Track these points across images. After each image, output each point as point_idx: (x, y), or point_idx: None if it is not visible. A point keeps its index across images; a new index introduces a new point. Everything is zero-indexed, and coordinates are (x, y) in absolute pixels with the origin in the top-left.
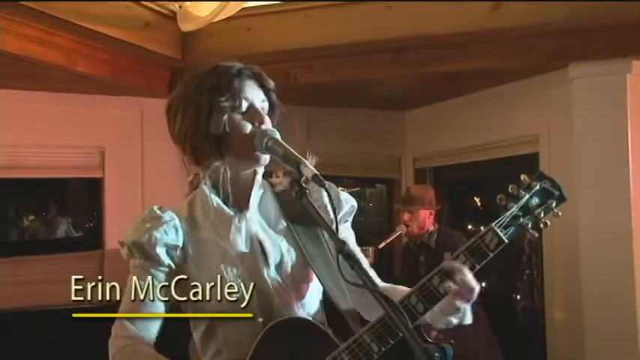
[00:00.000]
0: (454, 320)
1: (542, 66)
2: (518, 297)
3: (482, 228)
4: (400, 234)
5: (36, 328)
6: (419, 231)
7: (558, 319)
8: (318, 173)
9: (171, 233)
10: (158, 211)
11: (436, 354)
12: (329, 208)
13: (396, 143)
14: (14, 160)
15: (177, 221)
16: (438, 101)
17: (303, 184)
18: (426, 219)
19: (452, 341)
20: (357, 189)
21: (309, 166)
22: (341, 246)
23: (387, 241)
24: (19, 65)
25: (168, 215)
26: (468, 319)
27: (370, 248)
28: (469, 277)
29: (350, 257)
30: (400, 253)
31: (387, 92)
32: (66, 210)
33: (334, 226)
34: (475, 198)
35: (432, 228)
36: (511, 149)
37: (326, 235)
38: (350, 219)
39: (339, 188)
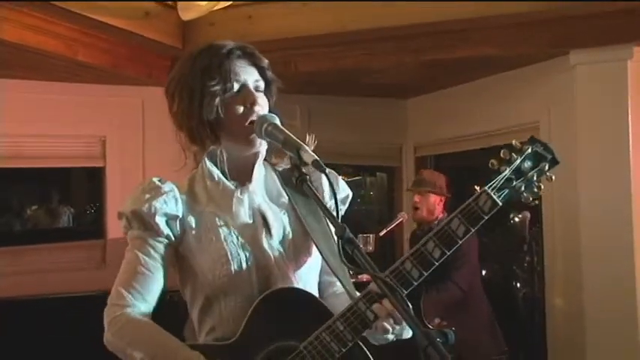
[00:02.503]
0: (390, 337)
1: (544, 53)
2: (519, 284)
3: None
4: (401, 221)
5: (40, 316)
6: (428, 215)
7: (558, 306)
8: (318, 158)
9: (170, 203)
10: (158, 182)
11: (438, 339)
12: (328, 193)
13: (397, 131)
14: (16, 150)
15: (176, 192)
16: (439, 89)
17: (303, 170)
18: (435, 204)
19: (453, 328)
20: (358, 177)
21: (309, 152)
22: (341, 231)
23: (388, 229)
24: (20, 55)
25: (167, 186)
26: (407, 334)
27: (371, 236)
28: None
29: (350, 242)
30: (408, 241)
31: (388, 80)
32: (68, 199)
33: (334, 211)
34: (476, 186)
35: (441, 216)
36: (512, 137)
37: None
38: (343, 208)
39: (340, 177)
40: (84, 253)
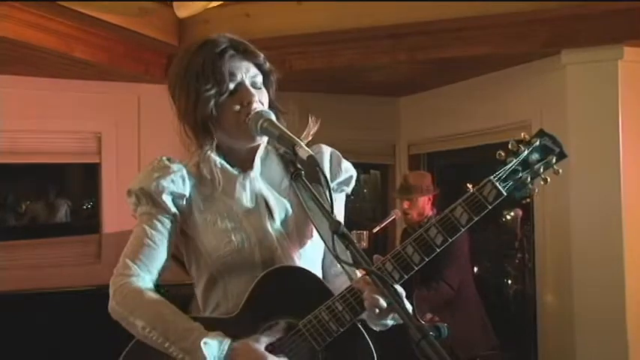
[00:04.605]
0: (389, 322)
1: (536, 53)
2: (510, 281)
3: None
4: (394, 218)
5: (35, 311)
6: (418, 217)
7: (549, 302)
8: (313, 154)
9: (178, 182)
10: (167, 162)
11: (430, 332)
12: (325, 187)
13: (390, 129)
14: (12, 145)
15: (184, 172)
16: (432, 88)
17: (299, 165)
18: (425, 205)
19: (446, 324)
20: None
21: (304, 147)
22: (336, 227)
23: (381, 226)
24: (17, 51)
25: (176, 166)
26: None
27: (365, 232)
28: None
29: (345, 237)
30: (400, 239)
31: (382, 79)
32: (64, 195)
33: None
34: (468, 184)
35: (430, 213)
36: (505, 135)
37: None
38: (347, 189)
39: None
40: (79, 248)
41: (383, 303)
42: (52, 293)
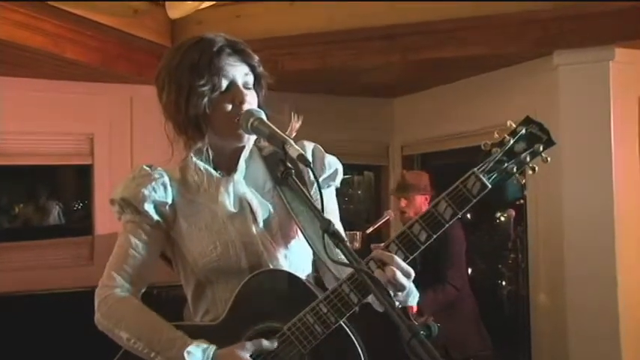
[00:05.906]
0: (396, 303)
1: (528, 53)
2: (504, 282)
3: (468, 216)
4: (387, 219)
5: (28, 312)
6: (415, 217)
7: (542, 303)
8: (303, 152)
9: (159, 190)
10: (147, 169)
11: (421, 331)
12: (315, 186)
13: (384, 130)
14: (3, 147)
15: (166, 179)
16: (426, 88)
17: (289, 164)
18: (422, 205)
19: (439, 324)
20: (346, 176)
21: (295, 146)
22: (326, 225)
23: (375, 227)
24: (8, 51)
25: (157, 173)
26: (412, 301)
27: (358, 233)
28: (401, 265)
29: (335, 236)
30: None
31: (376, 79)
32: (55, 197)
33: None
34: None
35: None
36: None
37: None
38: (334, 184)
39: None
40: (72, 250)
41: (401, 275)
42: (46, 295)
